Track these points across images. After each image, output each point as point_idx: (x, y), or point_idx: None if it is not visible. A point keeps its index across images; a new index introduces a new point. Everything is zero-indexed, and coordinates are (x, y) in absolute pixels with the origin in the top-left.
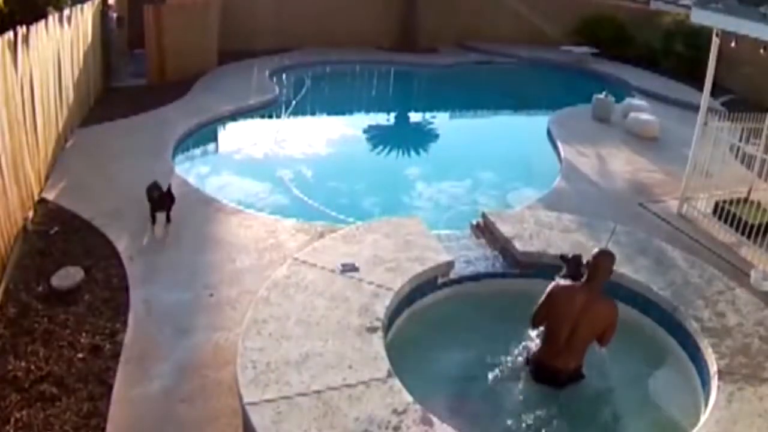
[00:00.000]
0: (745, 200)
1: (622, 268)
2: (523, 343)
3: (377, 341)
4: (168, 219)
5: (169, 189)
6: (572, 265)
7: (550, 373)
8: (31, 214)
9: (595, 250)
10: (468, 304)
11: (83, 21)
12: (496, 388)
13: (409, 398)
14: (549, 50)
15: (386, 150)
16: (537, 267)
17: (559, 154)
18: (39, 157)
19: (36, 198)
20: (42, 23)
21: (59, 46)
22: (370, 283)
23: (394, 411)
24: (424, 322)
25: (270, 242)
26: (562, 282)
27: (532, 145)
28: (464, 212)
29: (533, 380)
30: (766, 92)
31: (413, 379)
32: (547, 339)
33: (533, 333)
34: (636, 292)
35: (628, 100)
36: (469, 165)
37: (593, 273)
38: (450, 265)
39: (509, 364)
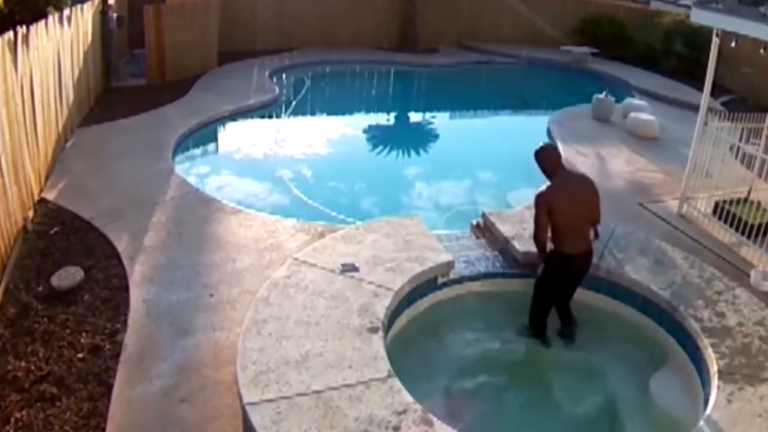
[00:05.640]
0: (745, 200)
1: (622, 268)
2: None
3: (377, 341)
4: None
5: None
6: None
7: (583, 259)
8: (31, 214)
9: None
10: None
11: (83, 21)
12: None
13: (410, 398)
14: (549, 50)
15: (386, 150)
16: (537, 267)
17: None
18: (39, 157)
19: (36, 198)
20: (42, 23)
21: (59, 46)
22: (370, 283)
23: (394, 411)
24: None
25: (270, 242)
26: (539, 191)
27: (532, 145)
28: (464, 212)
29: (566, 275)
30: (766, 92)
31: None
32: (563, 236)
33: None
34: (636, 292)
35: (628, 100)
36: (469, 165)
37: (546, 169)
38: (450, 264)
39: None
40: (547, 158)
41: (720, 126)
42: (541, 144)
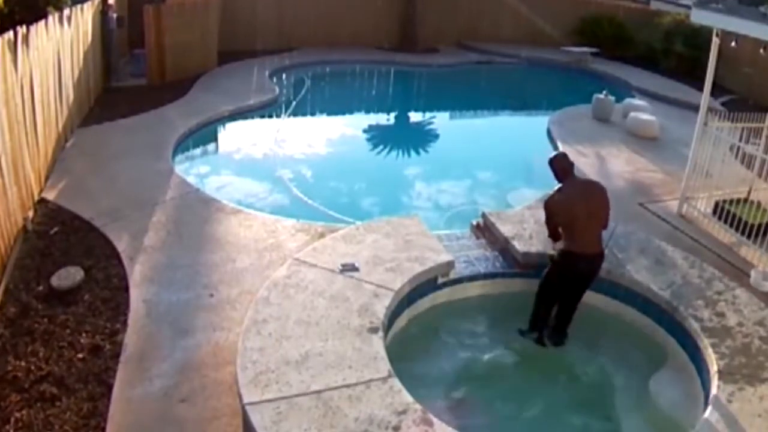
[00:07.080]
0: (745, 200)
1: (622, 268)
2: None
3: (377, 341)
4: None
5: None
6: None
7: (589, 260)
8: (31, 214)
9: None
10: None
11: (83, 21)
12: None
13: (409, 398)
14: (549, 50)
15: (386, 150)
16: (537, 267)
17: None
18: (39, 157)
19: (36, 198)
20: (42, 23)
21: (59, 46)
22: (370, 283)
23: (394, 411)
24: None
25: (270, 242)
26: (550, 194)
27: (532, 145)
28: (464, 212)
29: (572, 275)
30: (766, 92)
31: None
32: (571, 236)
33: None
34: (636, 292)
35: (628, 100)
36: (469, 165)
37: (558, 175)
38: (450, 265)
39: None
40: (558, 166)
41: (720, 126)
42: (555, 152)
